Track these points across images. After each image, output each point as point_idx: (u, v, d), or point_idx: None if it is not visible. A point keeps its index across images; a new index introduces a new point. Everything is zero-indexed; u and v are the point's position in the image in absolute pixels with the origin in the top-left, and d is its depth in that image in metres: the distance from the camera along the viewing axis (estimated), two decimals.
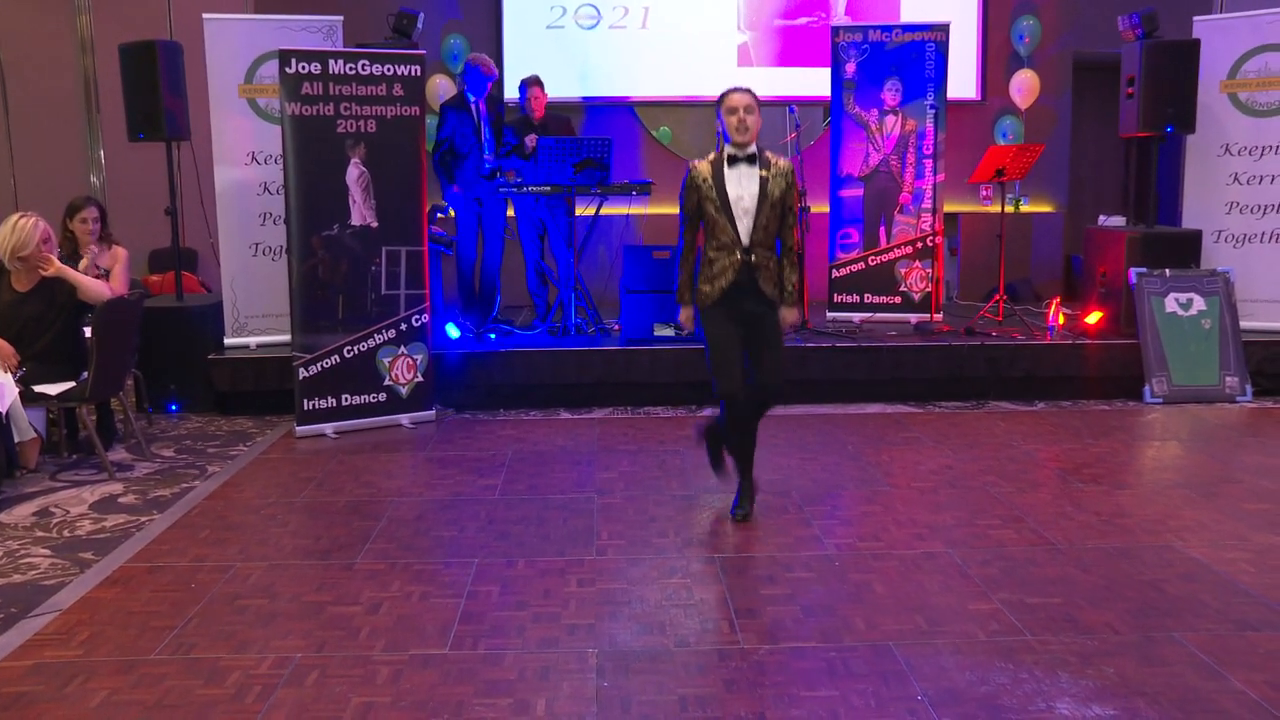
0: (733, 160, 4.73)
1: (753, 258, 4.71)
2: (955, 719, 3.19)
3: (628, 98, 9.78)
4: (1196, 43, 7.69)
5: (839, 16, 9.65)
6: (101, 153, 9.35)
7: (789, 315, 4.90)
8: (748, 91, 4.72)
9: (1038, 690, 3.35)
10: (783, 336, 4.90)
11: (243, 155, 7.42)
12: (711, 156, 4.80)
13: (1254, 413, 7.03)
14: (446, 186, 7.96)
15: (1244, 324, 7.49)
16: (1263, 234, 7.89)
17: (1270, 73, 7.80)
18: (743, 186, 4.70)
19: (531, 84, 8.22)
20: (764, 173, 4.73)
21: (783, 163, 4.81)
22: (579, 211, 7.98)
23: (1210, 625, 3.82)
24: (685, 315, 5.04)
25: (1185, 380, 7.31)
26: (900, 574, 4.31)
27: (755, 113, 4.69)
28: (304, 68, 6.41)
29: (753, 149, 4.74)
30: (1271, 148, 7.83)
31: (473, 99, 7.90)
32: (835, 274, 8.36)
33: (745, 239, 4.71)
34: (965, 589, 4.16)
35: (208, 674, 3.51)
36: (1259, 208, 7.90)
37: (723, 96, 4.75)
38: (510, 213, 8.34)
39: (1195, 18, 8.07)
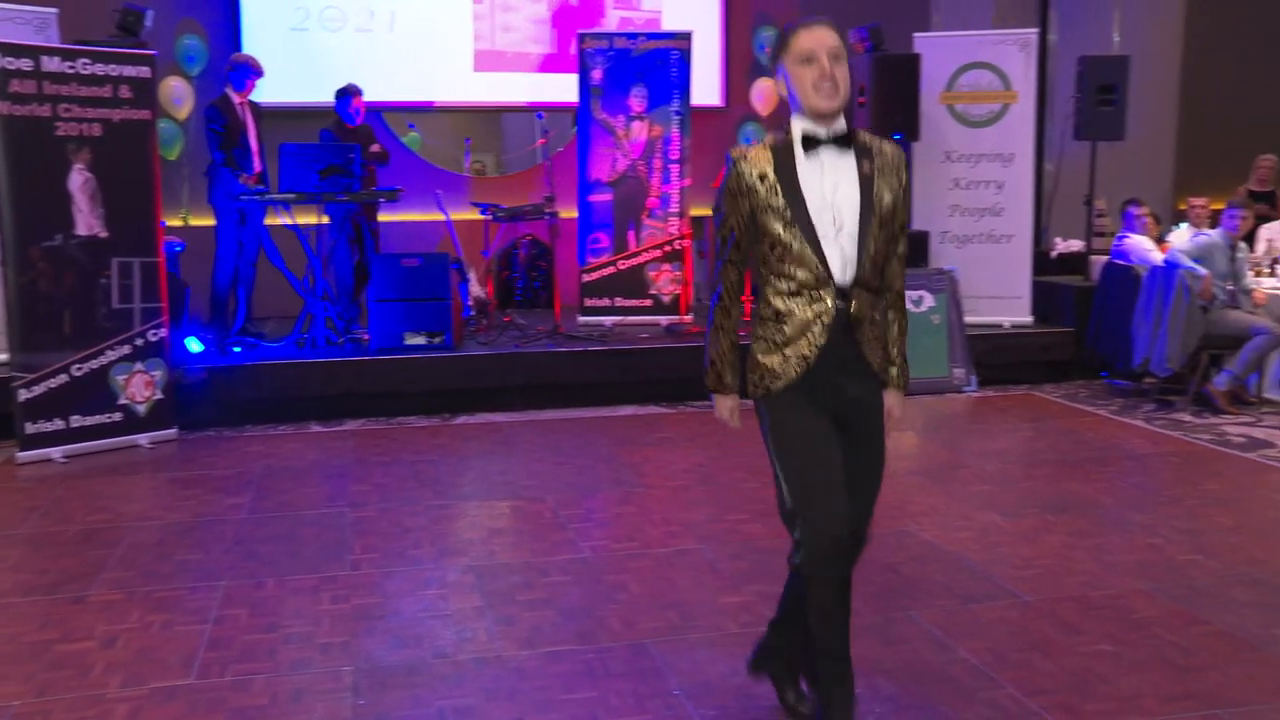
0: (810, 143, 2.84)
1: (853, 306, 2.83)
2: (710, 710, 3.28)
3: (375, 103, 9.55)
4: (917, 57, 8.20)
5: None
6: None
7: (893, 406, 3.03)
8: (829, 25, 2.81)
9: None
10: (884, 441, 3.00)
11: None
12: (768, 140, 2.90)
13: (978, 401, 7.56)
14: (217, 189, 7.57)
15: (967, 319, 8.03)
16: (980, 235, 8.48)
17: (980, 87, 8.40)
18: (834, 188, 2.82)
19: (355, 94, 8.03)
20: (866, 164, 2.85)
21: (889, 148, 2.91)
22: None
23: (941, 602, 4.08)
24: (726, 407, 3.13)
25: (918, 373, 7.75)
26: (655, 572, 4.40)
27: (844, 62, 2.81)
28: (12, 63, 5.95)
29: (843, 124, 2.85)
30: (985, 156, 8.44)
31: (237, 100, 7.54)
32: (586, 278, 8.45)
33: (842, 275, 2.82)
34: (717, 584, 4.28)
35: None
36: (976, 211, 8.49)
37: (788, 36, 2.83)
38: (269, 221, 7.96)
39: (915, 34, 8.61)
